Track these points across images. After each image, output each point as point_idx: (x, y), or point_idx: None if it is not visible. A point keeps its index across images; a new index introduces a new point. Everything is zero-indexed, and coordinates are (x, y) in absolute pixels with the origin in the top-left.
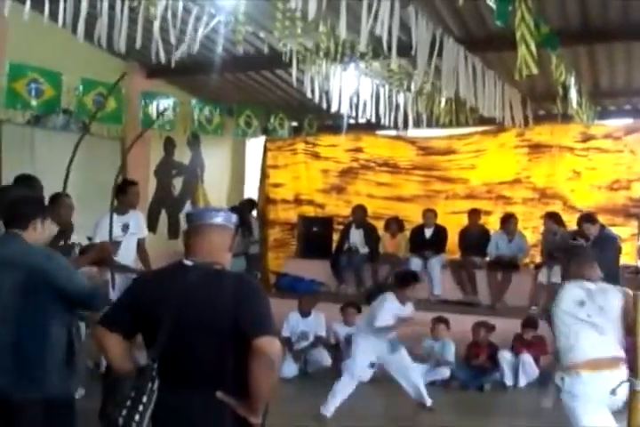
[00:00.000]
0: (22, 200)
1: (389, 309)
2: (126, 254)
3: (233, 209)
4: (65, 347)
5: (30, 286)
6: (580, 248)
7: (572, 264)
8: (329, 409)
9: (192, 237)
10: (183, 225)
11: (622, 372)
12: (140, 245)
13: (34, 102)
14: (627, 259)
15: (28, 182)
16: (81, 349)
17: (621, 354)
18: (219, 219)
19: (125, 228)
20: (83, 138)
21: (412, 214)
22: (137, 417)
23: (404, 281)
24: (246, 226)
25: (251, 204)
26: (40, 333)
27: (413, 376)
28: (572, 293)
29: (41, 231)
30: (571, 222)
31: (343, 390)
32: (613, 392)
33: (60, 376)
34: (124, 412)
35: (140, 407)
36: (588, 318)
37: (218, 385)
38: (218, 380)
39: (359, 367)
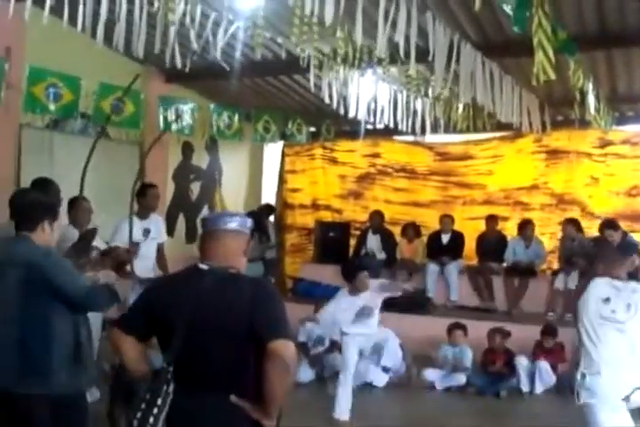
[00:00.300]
0: (30, 203)
1: (337, 303)
2: (146, 259)
3: (251, 214)
4: (72, 346)
5: (30, 283)
6: (608, 247)
7: (599, 263)
8: (343, 412)
9: (207, 241)
10: (200, 229)
11: None
12: (160, 249)
13: (52, 106)
14: None
15: (43, 186)
16: (91, 349)
17: None
18: (233, 224)
19: (146, 232)
20: (97, 142)
21: (430, 220)
22: (151, 420)
23: (347, 275)
24: (263, 231)
25: (269, 209)
26: (43, 330)
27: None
28: (599, 289)
29: (49, 233)
30: (590, 229)
31: (344, 389)
32: (627, 399)
33: (68, 375)
34: (139, 414)
35: (155, 410)
36: (612, 313)
37: (232, 389)
38: (232, 383)
39: (349, 362)
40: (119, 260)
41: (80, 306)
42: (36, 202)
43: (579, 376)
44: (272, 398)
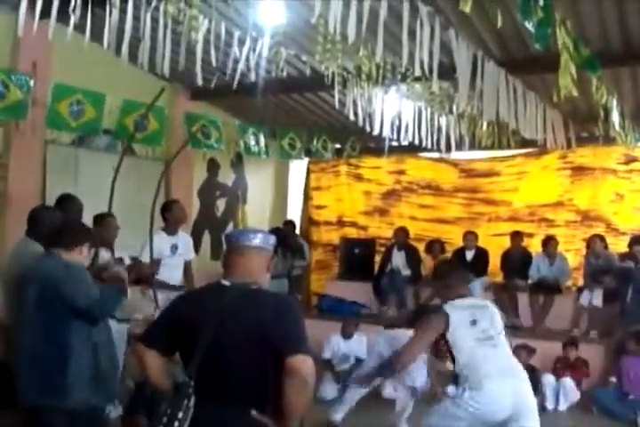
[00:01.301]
0: (73, 225)
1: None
2: (172, 275)
3: (275, 230)
4: (90, 360)
5: (46, 298)
6: (448, 268)
7: (445, 285)
8: (338, 416)
9: (230, 257)
10: (224, 246)
11: None
12: (187, 266)
13: (74, 123)
14: None
15: (66, 202)
16: (114, 367)
17: None
18: (256, 240)
19: (174, 248)
20: (122, 159)
21: (455, 237)
22: None
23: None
24: (287, 247)
25: (292, 225)
26: (59, 344)
27: None
28: (460, 315)
29: (86, 256)
30: (615, 245)
31: (352, 396)
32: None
33: (85, 391)
34: None
35: (176, 424)
36: (482, 333)
37: (252, 403)
38: (252, 398)
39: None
40: (142, 274)
41: (93, 313)
42: (81, 225)
43: (458, 393)
44: (291, 413)
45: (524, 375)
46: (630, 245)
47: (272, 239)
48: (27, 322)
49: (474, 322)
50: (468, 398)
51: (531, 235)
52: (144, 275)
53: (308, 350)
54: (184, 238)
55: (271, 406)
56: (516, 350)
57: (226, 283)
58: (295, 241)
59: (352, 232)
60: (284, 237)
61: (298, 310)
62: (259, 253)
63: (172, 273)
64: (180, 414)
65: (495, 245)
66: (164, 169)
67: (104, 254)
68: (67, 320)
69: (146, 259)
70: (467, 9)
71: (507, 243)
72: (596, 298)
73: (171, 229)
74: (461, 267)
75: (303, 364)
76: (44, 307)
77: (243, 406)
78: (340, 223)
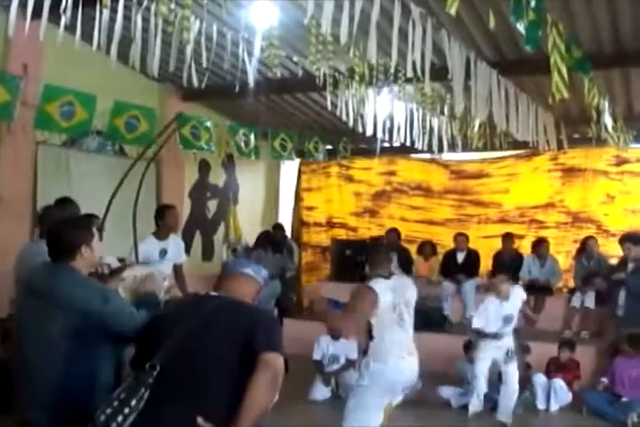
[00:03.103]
0: (64, 228)
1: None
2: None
3: (266, 233)
4: (112, 386)
5: (84, 328)
6: (377, 249)
7: (372, 265)
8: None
9: (222, 279)
10: (217, 247)
11: None
12: (177, 270)
13: (64, 124)
14: None
15: (63, 206)
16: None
17: None
18: (248, 269)
19: (163, 253)
20: (131, 169)
21: (445, 238)
22: (120, 418)
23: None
24: (278, 250)
25: (281, 228)
26: (88, 373)
27: None
28: (383, 294)
29: (91, 255)
30: (605, 246)
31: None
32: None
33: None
34: (109, 411)
35: (126, 410)
36: (399, 316)
37: (204, 408)
38: (206, 403)
39: None
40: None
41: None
42: (67, 227)
43: (363, 363)
44: (249, 409)
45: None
46: (621, 241)
47: (263, 272)
48: (49, 347)
49: (394, 306)
50: (373, 368)
51: (521, 236)
52: None
53: (281, 351)
54: (175, 243)
55: (225, 415)
56: None
57: (214, 293)
58: (286, 243)
59: (341, 233)
60: (274, 239)
61: (276, 322)
62: (247, 281)
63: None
64: (133, 402)
65: (485, 246)
66: (157, 171)
67: (110, 260)
68: (100, 347)
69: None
70: (452, 11)
71: (496, 244)
72: (589, 299)
73: (161, 234)
74: (385, 249)
75: (275, 360)
76: (78, 335)
77: (192, 410)
78: (330, 224)
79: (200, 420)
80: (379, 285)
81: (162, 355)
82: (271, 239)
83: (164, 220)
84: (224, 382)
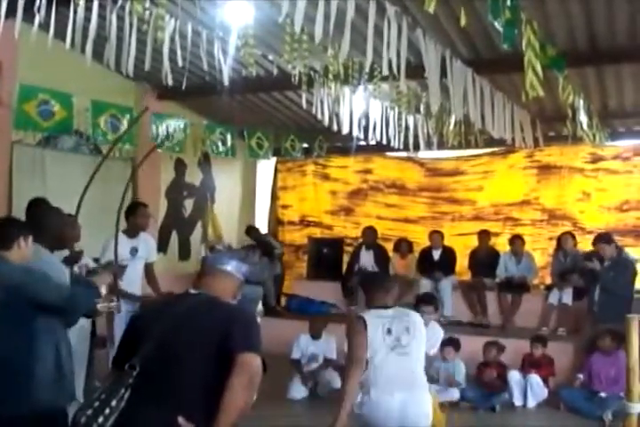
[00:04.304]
0: (2, 222)
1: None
2: (132, 278)
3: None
4: (53, 364)
5: (13, 304)
6: (371, 278)
7: (369, 295)
8: None
9: (203, 277)
10: (194, 246)
11: None
12: (149, 269)
13: (45, 124)
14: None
15: (36, 206)
16: (71, 363)
17: None
18: (229, 266)
19: (134, 251)
20: (99, 168)
21: (420, 236)
22: (101, 419)
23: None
24: (265, 253)
25: (255, 230)
26: (26, 348)
27: None
28: (375, 324)
29: (25, 248)
30: (582, 244)
31: None
32: None
33: (49, 393)
34: (90, 411)
35: (107, 411)
36: (396, 341)
37: (188, 408)
38: (189, 403)
39: None
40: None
41: (67, 313)
42: (7, 221)
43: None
44: (227, 411)
45: (422, 388)
46: (595, 242)
47: (244, 268)
48: None
49: (389, 330)
50: (359, 403)
51: (496, 234)
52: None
53: (259, 352)
54: (145, 240)
55: (204, 416)
56: (487, 347)
57: (193, 291)
58: (269, 243)
59: (316, 232)
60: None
61: (255, 321)
62: (227, 278)
63: (132, 276)
64: (114, 402)
65: (459, 244)
66: (132, 172)
67: (87, 261)
68: (32, 322)
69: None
70: (431, 9)
71: (471, 242)
72: (566, 296)
73: (131, 232)
74: (385, 278)
75: (253, 361)
76: (10, 312)
77: (175, 409)
78: (304, 223)
79: (181, 420)
80: (369, 313)
81: (141, 356)
82: (260, 242)
83: (134, 217)
84: (201, 382)
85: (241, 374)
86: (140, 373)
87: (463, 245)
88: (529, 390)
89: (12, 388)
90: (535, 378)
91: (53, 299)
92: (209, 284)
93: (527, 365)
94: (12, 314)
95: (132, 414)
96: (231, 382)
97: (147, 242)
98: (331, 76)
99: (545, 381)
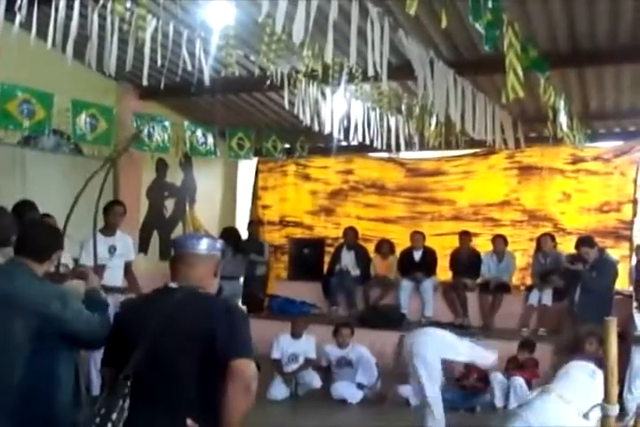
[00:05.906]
0: (44, 230)
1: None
2: (112, 277)
3: (226, 231)
4: (72, 389)
5: (44, 332)
6: None
7: None
8: None
9: (177, 264)
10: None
11: None
12: (128, 267)
13: (26, 123)
14: (619, 282)
15: (23, 209)
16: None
17: None
18: (202, 247)
19: (112, 249)
20: (93, 176)
21: (399, 236)
22: None
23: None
24: (238, 250)
25: (234, 231)
26: (49, 375)
27: None
28: None
29: (54, 263)
30: (561, 245)
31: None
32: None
33: (68, 414)
34: None
35: (109, 425)
36: None
37: (189, 409)
38: (189, 404)
39: None
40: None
41: (92, 347)
42: (48, 229)
43: None
44: (230, 418)
45: None
46: (577, 246)
47: (218, 244)
48: (10, 350)
49: None
50: None
51: (476, 234)
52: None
53: (251, 354)
54: (123, 239)
55: (210, 413)
56: None
57: (173, 285)
58: (255, 241)
59: (296, 232)
60: (236, 239)
61: (243, 316)
62: (204, 260)
63: (113, 275)
64: (114, 416)
65: (438, 244)
66: (108, 169)
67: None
68: (60, 350)
69: (87, 263)
70: (412, 11)
71: (450, 242)
72: (546, 297)
73: (106, 230)
74: None
75: (246, 368)
76: (38, 338)
77: (178, 411)
78: (283, 223)
79: (190, 422)
80: None
81: (132, 364)
82: (234, 240)
83: (108, 215)
84: (197, 381)
85: (237, 382)
86: (135, 381)
87: (441, 246)
88: (511, 393)
89: (34, 413)
90: (519, 380)
91: (84, 336)
92: (188, 274)
93: (511, 368)
94: (41, 341)
95: (137, 423)
96: (227, 391)
97: (124, 240)
98: (311, 76)
99: (529, 383)
